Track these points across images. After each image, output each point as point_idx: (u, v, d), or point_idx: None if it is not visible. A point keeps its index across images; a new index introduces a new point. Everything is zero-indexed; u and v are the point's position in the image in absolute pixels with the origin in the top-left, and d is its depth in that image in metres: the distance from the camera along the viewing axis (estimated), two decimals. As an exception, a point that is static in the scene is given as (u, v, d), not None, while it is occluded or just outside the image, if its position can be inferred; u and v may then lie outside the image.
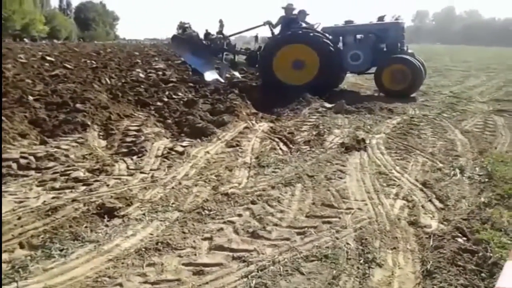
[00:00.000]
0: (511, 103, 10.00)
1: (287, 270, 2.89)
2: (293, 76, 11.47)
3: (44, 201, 3.95)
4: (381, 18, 12.55)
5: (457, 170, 4.97)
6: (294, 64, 11.53)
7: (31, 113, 6.92)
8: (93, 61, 18.16)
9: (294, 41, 11.54)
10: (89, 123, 6.82)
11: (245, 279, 2.78)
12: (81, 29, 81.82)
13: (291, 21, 12.36)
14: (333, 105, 9.11)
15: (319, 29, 12.34)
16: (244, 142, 6.27)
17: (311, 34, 11.66)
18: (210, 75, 12.52)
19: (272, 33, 12.63)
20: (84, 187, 4.36)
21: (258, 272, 2.86)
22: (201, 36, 14.78)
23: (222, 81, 12.43)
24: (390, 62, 11.18)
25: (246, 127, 7.21)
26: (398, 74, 11.00)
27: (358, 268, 2.93)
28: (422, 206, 4.01)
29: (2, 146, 5.35)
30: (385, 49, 11.81)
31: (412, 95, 11.04)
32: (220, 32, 28.23)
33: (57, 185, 4.43)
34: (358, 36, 11.98)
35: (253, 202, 4.04)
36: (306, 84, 11.03)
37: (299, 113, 8.60)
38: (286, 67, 11.57)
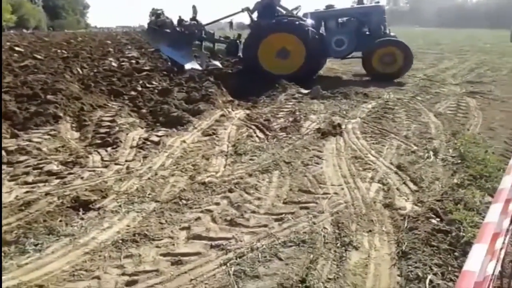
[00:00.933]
0: (483, 85, 10.20)
1: (265, 256, 2.91)
2: (278, 65, 11.19)
3: (17, 196, 3.87)
4: (361, 2, 12.56)
5: (431, 153, 5.07)
6: (278, 53, 11.26)
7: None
8: (63, 51, 17.73)
9: (280, 30, 11.21)
10: (61, 114, 6.68)
11: (223, 267, 2.79)
12: (51, 17, 79.56)
13: (267, 6, 12.01)
14: (309, 90, 9.13)
15: (300, 14, 12.21)
16: (220, 130, 6.24)
17: (297, 22, 11.36)
18: (191, 66, 12.29)
19: (251, 19, 12.37)
20: (57, 180, 4.28)
21: (236, 259, 2.87)
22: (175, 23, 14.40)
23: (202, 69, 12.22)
24: (380, 45, 11.17)
25: (222, 115, 7.18)
26: (388, 57, 11.08)
27: (335, 251, 2.97)
28: (397, 189, 4.08)
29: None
30: (367, 33, 11.83)
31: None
32: (193, 18, 27.79)
33: (29, 179, 4.34)
34: (340, 21, 11.98)
35: (230, 190, 4.03)
36: (294, 73, 10.85)
37: (276, 100, 8.59)
38: (271, 56, 11.29)
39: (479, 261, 1.04)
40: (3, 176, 4.38)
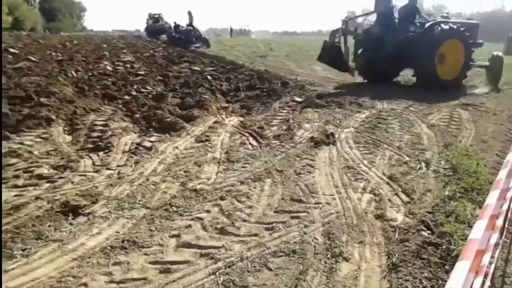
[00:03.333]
0: (475, 97, 10.26)
1: (255, 266, 2.89)
2: (442, 70, 11.20)
3: (6, 199, 3.83)
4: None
5: (423, 164, 5.08)
6: (438, 58, 11.23)
7: (-8, 108, 6.66)
8: (58, 53, 17.62)
9: (452, 37, 11.29)
10: (54, 117, 6.65)
11: (212, 276, 2.77)
12: (47, 20, 79.22)
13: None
14: (303, 99, 9.15)
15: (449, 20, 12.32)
16: (213, 136, 6.23)
17: (462, 29, 11.58)
18: None
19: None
20: (48, 184, 4.25)
21: (226, 269, 2.85)
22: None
23: None
24: None
25: (216, 122, 7.16)
26: None
27: (325, 262, 2.96)
28: (389, 200, 4.08)
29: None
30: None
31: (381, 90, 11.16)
32: (190, 24, 28.01)
33: (20, 182, 4.30)
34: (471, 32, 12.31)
35: (222, 198, 4.02)
36: (455, 79, 11.47)
37: (270, 107, 8.60)
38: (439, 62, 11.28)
39: (461, 279, 1.03)
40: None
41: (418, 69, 11.53)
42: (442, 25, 11.41)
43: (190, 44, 26.43)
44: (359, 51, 12.46)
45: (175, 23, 30.59)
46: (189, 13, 29.90)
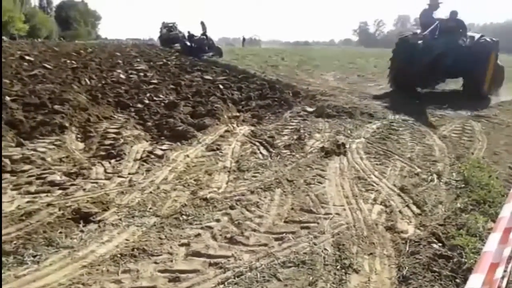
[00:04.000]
0: (488, 109, 10.17)
1: (264, 276, 2.88)
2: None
3: (19, 206, 3.88)
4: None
5: (435, 176, 5.04)
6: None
7: (7, 114, 6.78)
8: (73, 61, 17.87)
9: (493, 50, 11.75)
10: (67, 125, 6.73)
11: (221, 286, 2.77)
12: (62, 28, 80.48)
13: (429, 15, 12.23)
14: (314, 109, 9.15)
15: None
16: (224, 145, 6.25)
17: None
18: None
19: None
20: (60, 191, 4.30)
21: (234, 278, 2.85)
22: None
23: None
24: None
25: (227, 131, 7.19)
26: None
27: (335, 274, 2.94)
28: (400, 211, 4.05)
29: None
30: None
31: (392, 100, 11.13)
32: (204, 34, 28.05)
33: (32, 189, 4.35)
34: None
35: (231, 207, 4.02)
36: (489, 89, 12.03)
37: (281, 117, 8.60)
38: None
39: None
40: (6, 185, 4.40)
41: (469, 79, 11.84)
42: (487, 38, 11.94)
43: (203, 53, 26.33)
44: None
45: (189, 32, 30.63)
46: (202, 23, 29.85)
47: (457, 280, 2.85)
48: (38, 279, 2.79)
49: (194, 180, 4.78)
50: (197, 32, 29.70)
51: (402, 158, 5.78)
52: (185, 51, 28.06)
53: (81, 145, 6.12)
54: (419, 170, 5.30)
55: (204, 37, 28.24)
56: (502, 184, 4.69)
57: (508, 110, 10.14)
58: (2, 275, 2.79)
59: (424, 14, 12.40)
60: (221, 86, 11.94)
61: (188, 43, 29.01)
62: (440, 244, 3.36)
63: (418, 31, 12.14)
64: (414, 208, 4.15)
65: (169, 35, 39.78)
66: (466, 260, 3.04)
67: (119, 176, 4.81)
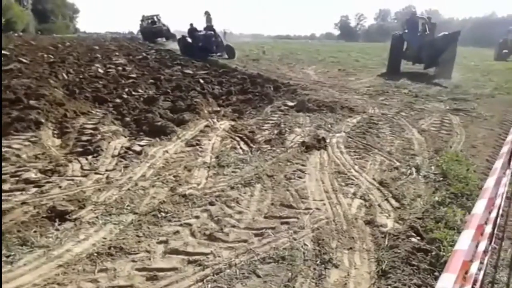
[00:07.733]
0: (466, 102, 10.30)
1: (243, 273, 2.86)
2: None
3: (-9, 204, 3.76)
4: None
5: (413, 169, 5.09)
6: None
7: (-20, 110, 6.59)
8: (50, 55, 17.49)
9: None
10: (43, 120, 6.57)
11: (200, 284, 2.74)
12: (39, 21, 78.68)
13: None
14: (295, 103, 9.14)
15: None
16: (204, 141, 6.19)
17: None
18: None
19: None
20: (35, 189, 4.19)
21: (214, 276, 2.82)
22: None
23: None
24: None
25: (207, 126, 7.12)
26: None
27: (314, 269, 2.94)
28: (379, 205, 4.07)
29: None
30: None
31: (372, 94, 11.21)
32: (209, 27, 22.76)
33: (6, 187, 4.23)
34: None
35: (211, 203, 3.98)
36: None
37: (261, 112, 8.56)
38: None
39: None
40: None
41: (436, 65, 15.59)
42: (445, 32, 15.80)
43: (210, 53, 20.80)
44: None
45: (191, 25, 22.56)
46: (207, 14, 23.30)
47: (436, 274, 2.88)
48: (11, 280, 2.72)
49: (173, 176, 4.72)
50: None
51: (381, 152, 5.82)
52: (186, 51, 21.52)
53: (58, 142, 5.99)
54: (398, 164, 5.34)
55: (212, 32, 21.61)
56: (479, 177, 4.75)
57: (486, 103, 10.29)
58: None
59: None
60: (201, 81, 11.84)
61: (190, 40, 21.78)
62: (418, 238, 3.39)
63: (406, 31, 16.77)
64: (393, 201, 4.18)
65: (152, 28, 37.41)
66: (444, 254, 3.07)
67: (96, 173, 4.72)
